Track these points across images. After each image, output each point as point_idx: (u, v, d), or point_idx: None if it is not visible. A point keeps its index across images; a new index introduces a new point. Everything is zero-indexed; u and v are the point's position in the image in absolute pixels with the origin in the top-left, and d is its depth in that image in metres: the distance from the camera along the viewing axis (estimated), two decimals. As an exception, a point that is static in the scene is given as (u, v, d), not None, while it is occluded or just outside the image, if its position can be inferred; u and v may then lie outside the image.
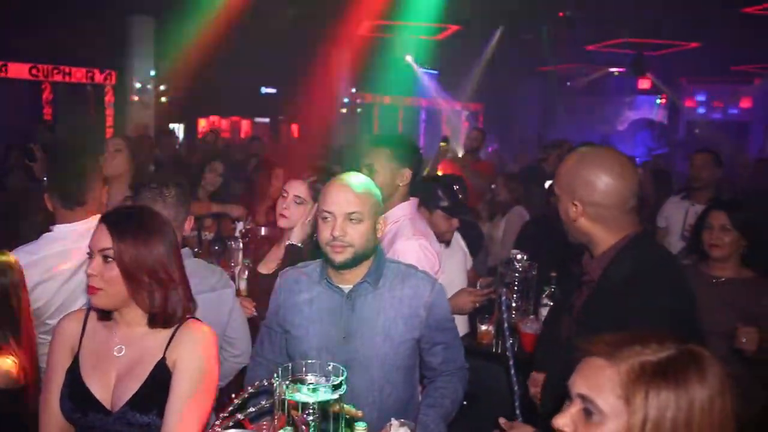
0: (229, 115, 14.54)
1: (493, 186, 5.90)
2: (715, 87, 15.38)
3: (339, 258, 2.19)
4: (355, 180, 2.26)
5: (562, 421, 1.28)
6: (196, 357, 1.93)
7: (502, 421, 1.98)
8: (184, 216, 2.62)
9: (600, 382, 1.23)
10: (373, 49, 11.97)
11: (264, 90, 13.28)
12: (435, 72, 13.60)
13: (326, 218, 2.20)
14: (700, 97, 15.80)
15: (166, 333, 1.96)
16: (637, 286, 1.91)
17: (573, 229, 2.09)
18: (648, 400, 1.18)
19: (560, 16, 9.50)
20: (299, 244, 2.92)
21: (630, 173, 2.01)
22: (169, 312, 1.94)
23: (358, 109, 14.12)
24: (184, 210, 2.61)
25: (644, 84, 14.91)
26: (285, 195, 3.02)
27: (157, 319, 1.94)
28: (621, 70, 14.05)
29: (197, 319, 2.03)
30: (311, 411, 1.80)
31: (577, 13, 9.30)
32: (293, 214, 2.97)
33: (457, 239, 3.71)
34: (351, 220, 2.17)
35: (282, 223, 3.01)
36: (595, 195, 1.99)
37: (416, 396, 2.44)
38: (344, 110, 13.22)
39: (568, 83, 14.26)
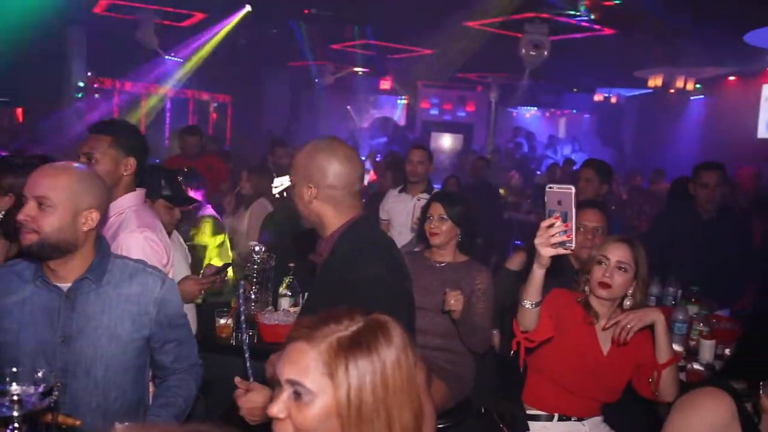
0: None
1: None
2: (446, 91, 16.98)
3: (24, 241, 2.02)
4: (57, 166, 2.10)
5: (276, 408, 1.32)
6: None
7: (237, 380, 1.99)
8: None
9: (305, 365, 1.30)
10: (113, 31, 11.11)
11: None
12: (180, 60, 13.02)
13: (23, 201, 2.04)
14: (434, 100, 17.33)
15: None
16: (352, 261, 2.10)
17: (308, 212, 2.24)
18: (349, 371, 1.28)
19: (306, 13, 9.71)
20: None
21: (356, 160, 2.25)
22: None
23: (96, 95, 12.99)
24: None
25: (385, 85, 15.90)
26: None
27: None
28: (365, 70, 14.77)
29: None
30: (16, 426, 1.64)
31: (323, 12, 9.57)
32: None
33: (175, 232, 3.59)
34: (41, 205, 2.01)
35: None
36: (328, 178, 2.18)
37: (146, 397, 2.34)
38: (79, 95, 12.07)
39: (316, 80, 14.61)
